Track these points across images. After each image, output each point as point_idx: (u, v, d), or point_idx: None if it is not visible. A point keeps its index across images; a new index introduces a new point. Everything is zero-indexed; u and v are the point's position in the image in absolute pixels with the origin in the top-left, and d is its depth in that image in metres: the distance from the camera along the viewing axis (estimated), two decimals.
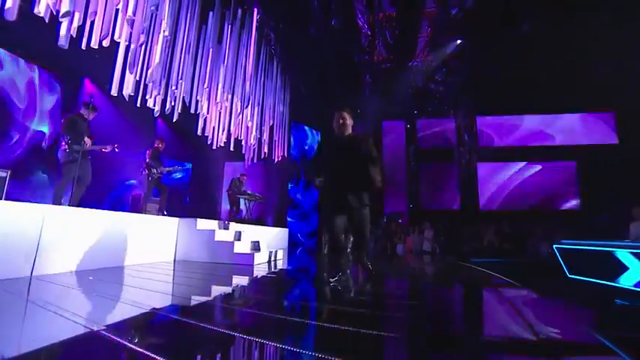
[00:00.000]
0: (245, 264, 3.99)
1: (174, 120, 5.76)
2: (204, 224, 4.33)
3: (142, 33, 4.45)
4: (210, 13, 6.38)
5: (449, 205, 11.77)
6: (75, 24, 3.64)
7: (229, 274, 3.43)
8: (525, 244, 7.28)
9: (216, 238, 4.15)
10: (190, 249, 4.19)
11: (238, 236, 4.53)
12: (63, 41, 3.55)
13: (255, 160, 8.21)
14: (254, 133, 7.38)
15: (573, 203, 10.77)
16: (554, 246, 4.81)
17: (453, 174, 11.95)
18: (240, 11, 6.68)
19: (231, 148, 7.14)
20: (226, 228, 4.71)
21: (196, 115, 6.37)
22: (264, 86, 7.73)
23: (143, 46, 4.75)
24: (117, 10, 4.12)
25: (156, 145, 5.90)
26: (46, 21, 3.43)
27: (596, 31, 7.70)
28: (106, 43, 4.08)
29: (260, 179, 10.80)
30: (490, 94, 10.55)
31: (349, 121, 2.97)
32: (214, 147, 6.91)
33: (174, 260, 4.20)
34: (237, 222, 6.37)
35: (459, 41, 8.41)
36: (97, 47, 3.97)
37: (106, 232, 3.18)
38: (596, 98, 10.08)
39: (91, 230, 3.01)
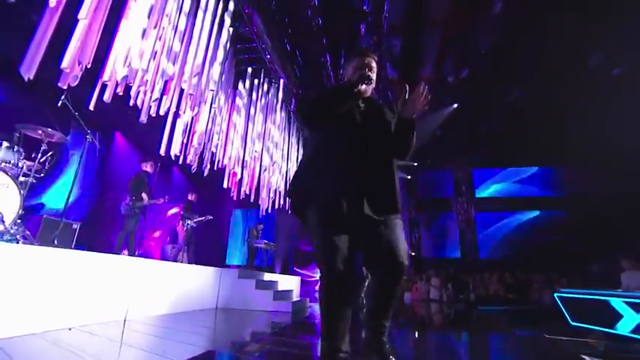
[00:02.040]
0: (284, 311, 4.47)
1: (205, 175, 6.48)
2: (244, 274, 4.84)
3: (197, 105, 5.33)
4: (240, 82, 7.41)
5: (450, 254, 12.36)
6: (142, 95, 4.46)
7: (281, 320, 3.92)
8: (528, 292, 7.82)
9: (256, 288, 4.65)
10: (231, 297, 4.66)
11: (274, 285, 5.03)
12: (143, 117, 4.35)
13: (269, 211, 8.87)
14: (275, 186, 8.11)
15: (569, 252, 11.45)
16: (556, 294, 5.42)
17: (453, 223, 12.70)
18: (264, 78, 7.74)
19: (252, 200, 7.83)
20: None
21: (221, 169, 7.11)
22: (287, 143, 8.64)
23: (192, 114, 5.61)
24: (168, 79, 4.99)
25: (189, 198, 6.55)
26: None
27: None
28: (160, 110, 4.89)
29: (271, 228, 11.35)
30: (485, 148, 11.67)
31: (373, 76, 1.65)
32: (235, 198, 7.58)
33: (216, 308, 4.65)
34: (254, 269, 6.85)
35: (455, 105, 9.64)
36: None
37: (158, 281, 3.65)
38: (577, 153, 11.26)
39: (143, 278, 3.38)
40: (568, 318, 5.00)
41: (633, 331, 3.99)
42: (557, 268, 9.58)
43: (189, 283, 4.16)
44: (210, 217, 6.54)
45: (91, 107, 3.70)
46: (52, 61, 3.39)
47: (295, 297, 5.29)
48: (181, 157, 5.88)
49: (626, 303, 4.10)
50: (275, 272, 9.71)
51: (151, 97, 4.48)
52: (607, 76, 8.42)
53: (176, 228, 6.15)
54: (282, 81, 7.65)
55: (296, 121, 8.56)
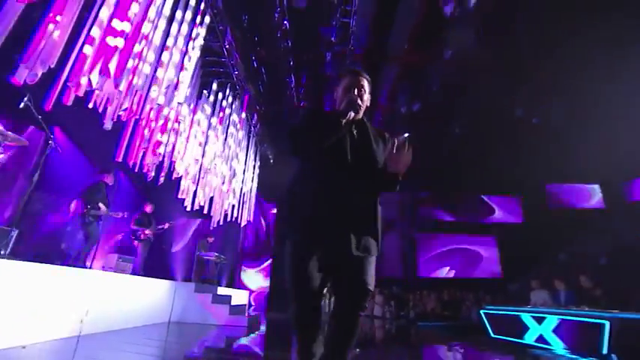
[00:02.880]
0: (239, 325, 4.69)
1: (158, 184, 6.47)
2: (201, 288, 4.97)
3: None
4: (205, 91, 7.55)
5: (392, 273, 13.31)
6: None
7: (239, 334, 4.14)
8: (461, 309, 8.86)
9: (213, 302, 4.81)
10: (187, 311, 4.75)
11: (229, 300, 5.21)
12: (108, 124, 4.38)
13: (221, 223, 8.95)
14: (230, 199, 8.25)
15: (495, 272, 13.10)
16: (481, 311, 6.37)
17: (396, 244, 13.76)
18: (229, 93, 7.97)
19: (205, 211, 7.89)
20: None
21: (175, 180, 7.10)
22: (245, 157, 8.86)
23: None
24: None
25: (146, 210, 6.46)
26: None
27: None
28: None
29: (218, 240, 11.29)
30: (429, 175, 12.94)
31: (367, 96, 1.69)
32: (188, 209, 7.58)
33: (169, 322, 4.70)
34: (202, 282, 6.87)
35: (406, 134, 10.70)
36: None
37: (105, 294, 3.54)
38: (507, 184, 13.11)
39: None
40: (490, 331, 5.92)
41: (536, 340, 4.94)
42: (484, 288, 10.93)
43: (144, 296, 4.20)
44: (171, 223, 6.52)
45: (48, 107, 3.69)
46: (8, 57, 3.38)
47: (247, 311, 5.51)
48: (137, 166, 5.86)
49: (532, 317, 5.07)
50: (221, 285, 9.68)
51: (120, 104, 4.54)
52: (529, 124, 10.13)
53: (132, 241, 6.01)
54: (246, 97, 7.96)
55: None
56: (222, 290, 5.75)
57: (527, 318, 5.20)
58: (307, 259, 1.43)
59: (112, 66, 4.20)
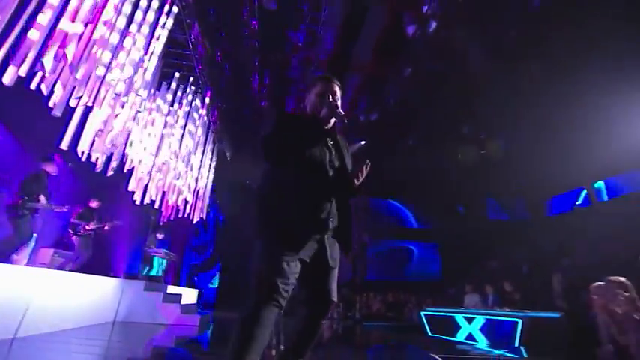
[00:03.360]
0: (191, 324, 4.73)
1: (107, 175, 6.22)
2: (151, 286, 4.91)
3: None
4: (164, 83, 7.36)
5: (341, 275, 13.86)
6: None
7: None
8: (403, 310, 9.56)
9: (164, 301, 4.79)
10: (135, 310, 4.67)
11: (179, 298, 5.20)
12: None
13: (172, 219, 8.74)
14: (185, 194, 8.10)
15: (436, 276, 14.23)
16: (421, 312, 7.02)
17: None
18: (189, 86, 7.84)
19: (156, 206, 7.68)
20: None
21: (126, 173, 6.85)
22: (202, 152, 8.73)
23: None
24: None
25: (91, 205, 6.13)
26: None
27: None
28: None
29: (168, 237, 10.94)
30: (381, 182, 13.68)
31: (339, 102, 1.70)
32: (137, 203, 7.33)
33: (114, 322, 4.59)
34: (149, 280, 6.70)
35: (363, 142, 11.27)
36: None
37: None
38: (451, 195, 14.32)
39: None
40: (428, 330, 6.56)
41: (466, 338, 5.60)
42: (426, 291, 11.86)
43: (88, 295, 4.07)
44: (114, 223, 6.21)
45: None
46: None
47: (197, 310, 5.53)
48: (84, 156, 5.59)
49: (464, 317, 5.74)
50: (168, 283, 9.40)
51: (72, 90, 4.34)
52: (477, 138, 11.23)
53: (70, 236, 5.66)
54: (208, 92, 7.88)
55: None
56: (172, 289, 5.69)
57: (459, 318, 5.87)
58: (286, 260, 1.39)
59: (70, 51, 4.04)
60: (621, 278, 2.20)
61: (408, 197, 14.89)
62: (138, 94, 5.22)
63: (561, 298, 4.94)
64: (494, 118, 10.00)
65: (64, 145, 4.93)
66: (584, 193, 12.18)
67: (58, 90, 4.23)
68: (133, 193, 7.11)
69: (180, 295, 5.27)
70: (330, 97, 1.66)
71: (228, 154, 11.05)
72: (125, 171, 6.40)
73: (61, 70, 4.17)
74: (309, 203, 1.50)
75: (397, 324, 8.61)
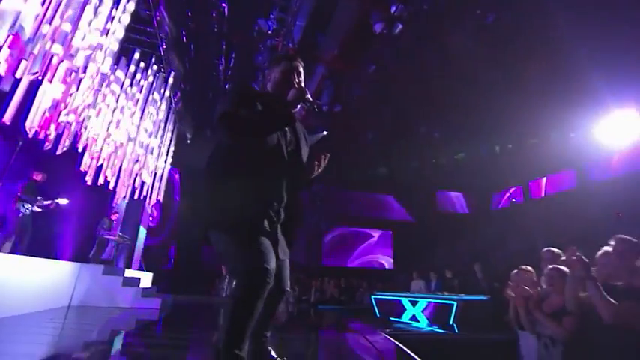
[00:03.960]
0: (153, 308, 4.85)
1: (57, 153, 5.99)
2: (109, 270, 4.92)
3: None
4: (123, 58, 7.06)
5: (297, 259, 14.36)
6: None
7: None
8: (355, 295, 10.26)
9: (124, 285, 4.85)
10: (93, 294, 4.68)
11: (138, 282, 5.26)
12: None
13: (127, 201, 8.54)
14: (143, 177, 7.94)
15: (388, 263, 15.25)
16: (372, 296, 7.67)
17: (301, 232, 14.83)
18: (151, 65, 7.59)
19: (110, 187, 7.48)
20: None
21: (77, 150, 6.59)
22: (162, 133, 8.53)
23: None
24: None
25: (35, 178, 5.86)
26: None
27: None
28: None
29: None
30: (340, 171, 14.19)
31: (302, 83, 1.70)
32: (90, 183, 7.10)
33: (69, 306, 4.58)
34: (101, 263, 6.59)
35: (325, 132, 11.60)
36: None
37: None
38: (405, 188, 15.28)
39: None
40: (376, 312, 7.21)
41: (410, 319, 6.29)
42: (377, 276, 12.73)
43: (38, 279, 4.01)
44: (63, 202, 5.99)
45: None
46: None
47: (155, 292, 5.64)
48: (32, 132, 5.33)
49: (409, 301, 6.42)
50: (119, 266, 9.20)
51: (28, 65, 4.13)
52: (430, 138, 12.05)
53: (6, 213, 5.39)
54: (170, 72, 7.68)
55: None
56: (130, 272, 5.71)
57: (405, 302, 6.55)
58: (257, 239, 1.38)
59: (27, 25, 3.84)
60: (529, 267, 2.76)
61: (364, 188, 15.61)
62: (101, 73, 5.04)
63: (483, 283, 5.76)
64: (449, 118, 10.82)
65: (7, 118, 4.70)
66: (521, 190, 13.67)
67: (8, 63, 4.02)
68: (85, 172, 6.87)
69: (139, 278, 5.32)
70: (295, 77, 1.63)
71: (189, 136, 10.84)
72: (79, 150, 6.16)
73: (13, 42, 3.96)
74: (264, 192, 1.46)
75: (349, 307, 9.25)
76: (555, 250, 2.55)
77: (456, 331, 4.69)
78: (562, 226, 8.74)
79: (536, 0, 6.73)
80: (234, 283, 1.65)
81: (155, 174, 9.16)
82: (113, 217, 8.17)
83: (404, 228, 15.57)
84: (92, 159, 6.67)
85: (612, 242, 1.97)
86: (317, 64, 10.07)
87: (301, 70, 1.70)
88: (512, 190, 14.01)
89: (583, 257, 2.01)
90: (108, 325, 3.73)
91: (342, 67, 10.10)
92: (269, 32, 8.04)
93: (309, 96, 1.57)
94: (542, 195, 12.75)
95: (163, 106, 8.25)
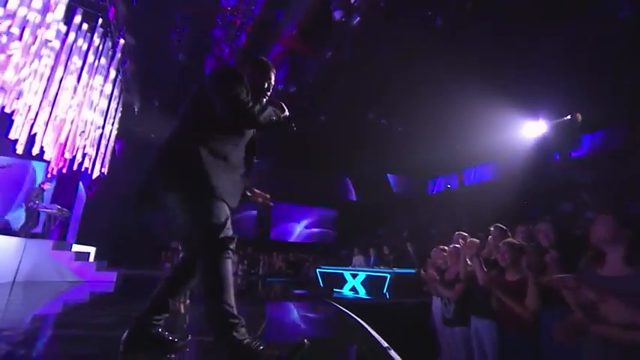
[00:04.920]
0: (108, 281, 5.02)
1: None
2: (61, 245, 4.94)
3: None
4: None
5: (246, 234, 14.76)
6: None
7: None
8: (302, 268, 11.03)
9: (76, 259, 4.92)
10: (41, 270, 4.70)
11: (87, 256, 5.34)
12: None
13: (64, 171, 8.18)
14: (84, 143, 7.65)
15: (333, 239, 16.30)
16: (317, 270, 8.44)
17: (251, 208, 15.19)
18: (97, 28, 7.19)
19: (46, 157, 7.18)
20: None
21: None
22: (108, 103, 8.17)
23: None
24: None
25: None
26: None
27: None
28: None
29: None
30: (291, 150, 14.58)
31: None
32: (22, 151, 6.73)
33: (14, 282, 4.57)
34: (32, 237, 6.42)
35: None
36: None
37: None
38: (352, 168, 16.23)
39: None
40: (320, 284, 8.00)
41: (350, 290, 7.15)
42: (322, 251, 13.66)
43: None
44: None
45: None
46: None
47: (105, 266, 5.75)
48: None
49: (350, 274, 7.26)
50: (54, 239, 8.84)
51: None
52: (378, 124, 12.90)
53: None
54: (119, 40, 7.33)
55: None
56: (79, 247, 5.73)
57: (347, 274, 7.39)
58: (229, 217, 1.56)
59: None
60: (443, 246, 3.53)
61: (314, 167, 16.29)
62: (47, 41, 4.82)
63: (414, 260, 6.77)
64: (397, 107, 11.71)
65: None
66: (455, 177, 15.32)
67: None
68: (16, 141, 6.48)
69: (89, 253, 5.40)
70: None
71: (137, 107, 10.39)
72: (11, 117, 5.82)
73: None
74: (241, 179, 1.70)
75: (295, 279, 10.00)
76: (463, 233, 3.32)
77: (387, 297, 5.59)
78: (483, 211, 10.21)
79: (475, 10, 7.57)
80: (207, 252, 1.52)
81: (99, 144, 8.79)
82: (44, 187, 7.76)
83: (349, 207, 16.67)
84: (24, 125, 6.30)
85: (492, 229, 2.78)
86: (275, 42, 10.16)
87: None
88: (447, 177, 15.64)
89: (474, 240, 2.76)
90: (58, 300, 3.78)
91: (299, 48, 10.32)
92: (228, 8, 7.97)
93: (287, 114, 1.75)
94: (471, 183, 14.47)
95: (109, 73, 7.86)
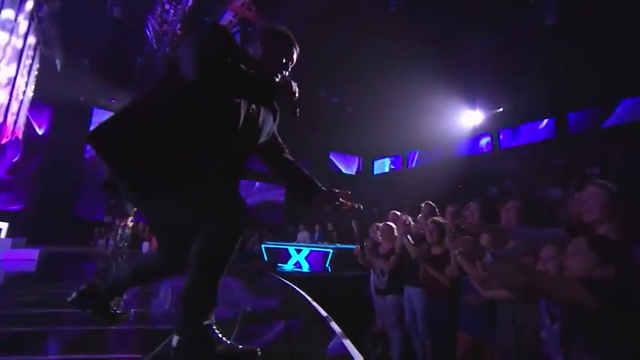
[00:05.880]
0: (27, 259, 4.63)
1: None
2: None
3: None
4: None
5: None
6: None
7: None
8: (246, 244, 11.03)
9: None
10: None
11: None
12: None
13: None
14: None
15: (279, 216, 16.45)
16: (262, 245, 8.56)
17: None
18: None
19: None
20: None
21: None
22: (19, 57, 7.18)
23: None
24: None
25: None
26: None
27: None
28: None
29: None
30: None
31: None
32: None
33: None
34: None
35: None
36: None
37: None
38: (300, 147, 16.29)
39: None
40: (265, 259, 8.15)
41: (295, 265, 7.39)
42: (268, 227, 13.75)
43: None
44: None
45: None
46: None
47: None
48: None
49: (295, 249, 7.49)
50: None
51: None
52: (329, 102, 13.03)
53: None
54: None
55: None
56: None
57: (291, 250, 7.61)
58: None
59: None
60: (379, 224, 3.82)
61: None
62: None
63: (358, 235, 7.16)
64: (349, 87, 11.89)
65: None
66: (400, 159, 16.15)
67: None
68: None
69: (0, 229, 4.91)
70: (289, 71, 1.53)
71: (59, 64, 9.25)
72: None
73: None
74: (210, 154, 1.32)
75: (240, 254, 10.03)
76: (397, 212, 3.62)
77: (329, 271, 5.93)
78: (424, 192, 11.02)
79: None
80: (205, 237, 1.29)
81: (9, 105, 7.76)
82: None
83: None
84: None
85: (422, 205, 3.12)
86: (225, 7, 9.62)
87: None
88: (392, 159, 16.44)
89: (407, 218, 3.06)
90: None
91: (251, 17, 9.89)
92: None
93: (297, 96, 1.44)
94: (414, 165, 15.40)
95: (22, 25, 6.87)
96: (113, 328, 1.57)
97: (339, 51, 10.17)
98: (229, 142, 1.36)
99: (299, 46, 1.53)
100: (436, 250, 2.61)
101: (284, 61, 1.48)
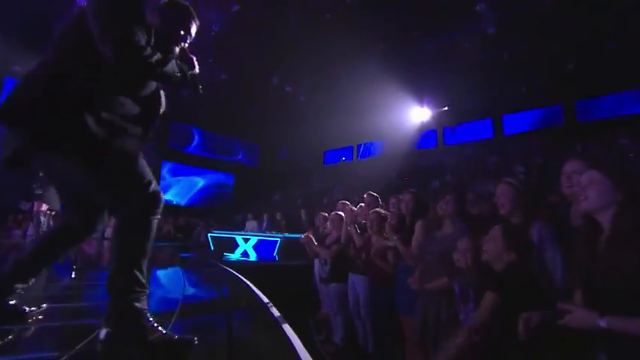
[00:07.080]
0: None
1: None
2: None
3: None
4: None
5: None
6: None
7: None
8: (192, 233, 10.63)
9: None
10: None
11: None
12: None
13: None
14: None
15: (226, 204, 16.03)
16: (208, 234, 8.33)
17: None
18: None
19: None
20: None
21: None
22: None
23: None
24: None
25: None
26: None
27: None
28: None
29: None
30: (189, 110, 13.50)
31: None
32: None
33: None
34: None
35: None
36: None
37: None
38: (253, 133, 16.02)
39: None
40: (212, 248, 7.94)
41: (242, 254, 7.31)
42: (215, 216, 13.36)
43: None
44: None
45: None
46: None
47: None
48: None
49: (242, 238, 7.40)
50: None
51: None
52: (282, 90, 12.87)
53: None
54: None
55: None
56: None
57: (239, 239, 7.50)
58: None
59: None
60: (325, 213, 3.94)
61: (211, 127, 15.53)
62: None
63: (306, 225, 7.30)
64: (302, 76, 11.84)
65: None
66: (351, 150, 16.49)
67: None
68: None
69: None
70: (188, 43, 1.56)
71: None
72: None
73: None
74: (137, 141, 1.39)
75: (185, 244, 9.64)
76: (346, 202, 3.75)
77: (277, 260, 5.95)
78: (372, 184, 11.43)
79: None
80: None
81: None
82: None
83: (246, 172, 16.55)
84: None
85: (365, 196, 3.29)
86: None
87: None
88: (343, 150, 16.75)
89: (353, 208, 3.19)
90: None
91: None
92: None
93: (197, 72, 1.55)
94: (364, 157, 15.86)
95: None
96: (26, 325, 1.43)
97: (294, 38, 10.04)
98: (138, 111, 1.39)
99: (198, 20, 1.58)
100: (377, 239, 2.76)
101: (182, 33, 1.52)
